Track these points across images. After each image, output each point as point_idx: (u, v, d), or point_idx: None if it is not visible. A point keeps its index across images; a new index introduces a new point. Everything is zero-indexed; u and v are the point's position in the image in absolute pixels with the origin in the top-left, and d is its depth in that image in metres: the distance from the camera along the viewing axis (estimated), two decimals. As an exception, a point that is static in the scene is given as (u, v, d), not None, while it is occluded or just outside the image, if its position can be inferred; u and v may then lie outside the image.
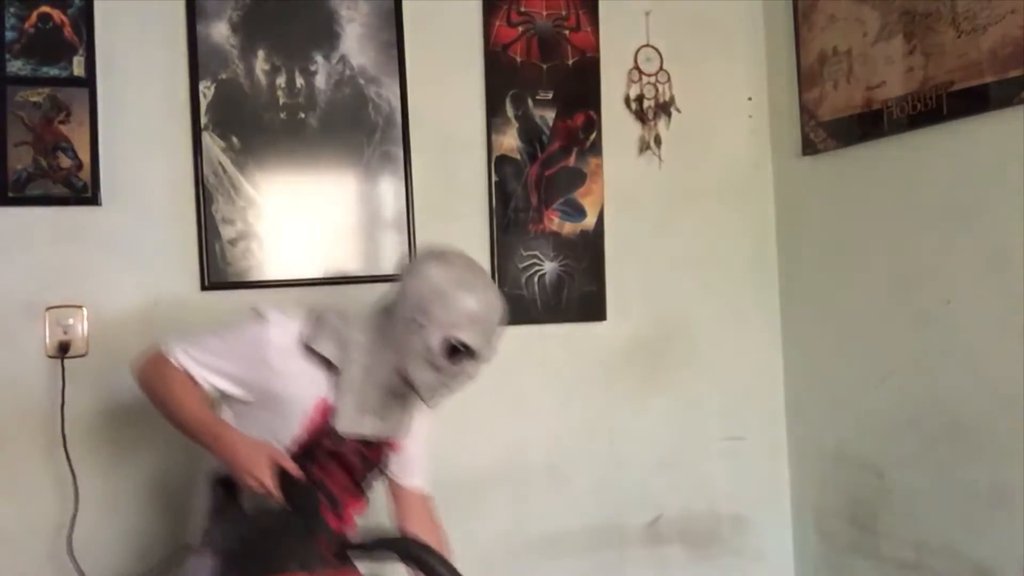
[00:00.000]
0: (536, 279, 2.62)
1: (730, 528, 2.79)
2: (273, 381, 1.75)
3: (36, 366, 2.23)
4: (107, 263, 2.30)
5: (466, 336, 1.71)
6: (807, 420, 2.79)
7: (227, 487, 1.75)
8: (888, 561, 2.47)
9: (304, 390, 1.76)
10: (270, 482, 1.65)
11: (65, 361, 2.23)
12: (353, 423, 1.78)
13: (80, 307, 2.26)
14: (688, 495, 2.76)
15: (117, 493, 2.29)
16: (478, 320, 1.72)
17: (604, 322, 2.69)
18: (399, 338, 1.75)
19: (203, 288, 2.36)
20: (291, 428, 1.76)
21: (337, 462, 1.81)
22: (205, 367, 1.76)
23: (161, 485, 2.32)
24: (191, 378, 1.76)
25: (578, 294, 2.66)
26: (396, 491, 1.98)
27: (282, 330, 1.76)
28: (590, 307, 2.68)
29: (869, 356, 2.52)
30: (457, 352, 1.73)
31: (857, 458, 2.57)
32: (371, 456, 1.86)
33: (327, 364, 1.76)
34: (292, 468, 1.69)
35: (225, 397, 1.80)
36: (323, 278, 2.44)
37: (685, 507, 2.75)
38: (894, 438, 2.44)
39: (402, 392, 1.81)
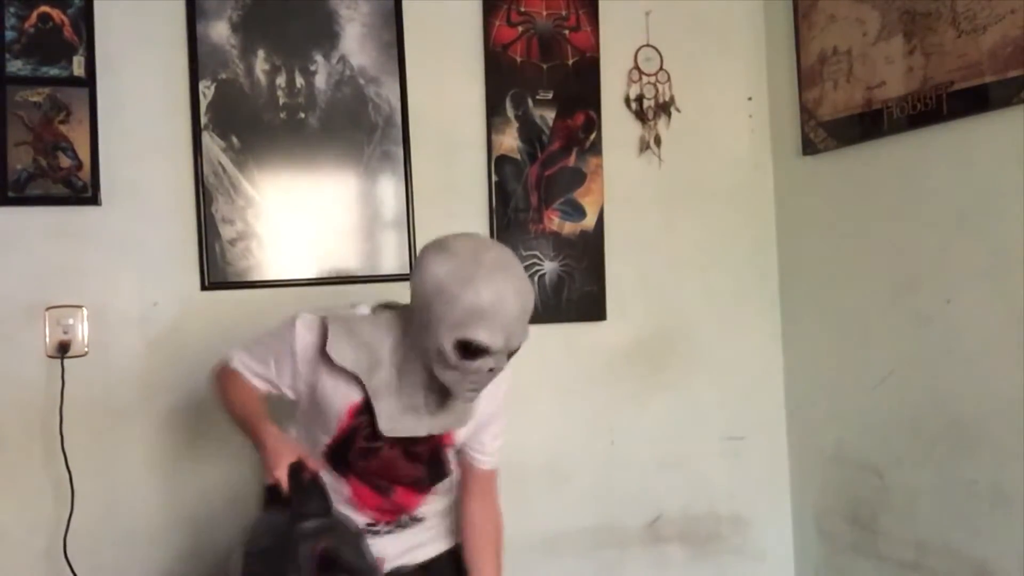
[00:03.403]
0: (536, 279, 2.62)
1: (730, 528, 2.79)
2: (301, 382, 1.75)
3: (36, 366, 2.23)
4: (107, 263, 2.30)
5: (474, 334, 1.57)
6: (807, 420, 2.79)
7: (272, 491, 1.70)
8: (888, 561, 2.47)
9: (335, 391, 1.73)
10: (283, 475, 1.57)
11: (65, 361, 2.23)
12: (394, 425, 1.71)
13: (80, 307, 2.26)
14: (688, 495, 2.76)
15: (114, 494, 2.29)
16: (486, 314, 1.56)
17: (604, 322, 2.69)
18: (417, 338, 1.67)
19: (203, 288, 2.36)
20: (329, 428, 1.75)
21: (377, 460, 1.76)
22: (249, 369, 1.77)
23: (158, 487, 2.32)
24: (246, 379, 1.77)
25: (578, 294, 2.66)
26: (464, 466, 1.90)
27: (307, 334, 1.72)
28: (590, 307, 2.68)
29: (869, 356, 2.52)
30: (471, 349, 1.59)
31: (857, 458, 2.57)
32: (419, 451, 1.77)
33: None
34: (311, 467, 1.61)
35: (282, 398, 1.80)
36: (323, 278, 2.44)
37: (685, 507, 2.75)
38: (894, 438, 2.44)
39: (441, 386, 1.70)
